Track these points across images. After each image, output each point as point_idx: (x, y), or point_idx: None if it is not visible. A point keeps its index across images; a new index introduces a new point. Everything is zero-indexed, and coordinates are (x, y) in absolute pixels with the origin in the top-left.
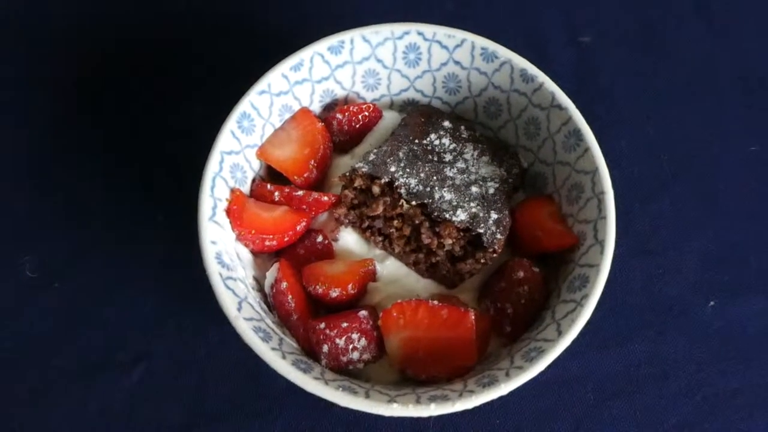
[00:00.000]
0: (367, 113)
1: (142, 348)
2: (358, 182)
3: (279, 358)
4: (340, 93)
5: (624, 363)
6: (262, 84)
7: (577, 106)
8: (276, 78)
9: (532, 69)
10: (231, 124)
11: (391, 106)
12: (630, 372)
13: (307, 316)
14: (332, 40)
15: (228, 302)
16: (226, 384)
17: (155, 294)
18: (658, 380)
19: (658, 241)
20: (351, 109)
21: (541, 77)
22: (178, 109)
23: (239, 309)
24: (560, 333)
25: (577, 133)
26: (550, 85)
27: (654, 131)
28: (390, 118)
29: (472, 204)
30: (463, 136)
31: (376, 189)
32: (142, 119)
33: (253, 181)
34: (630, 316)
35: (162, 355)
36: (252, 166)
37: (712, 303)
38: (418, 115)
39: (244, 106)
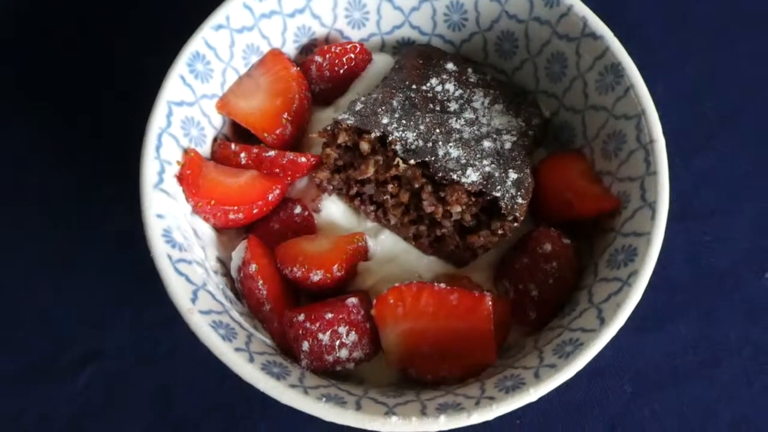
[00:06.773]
0: (352, 55)
1: (91, 346)
2: (342, 138)
3: (245, 362)
4: (319, 31)
5: (666, 349)
6: (218, 16)
7: None
8: (236, 9)
9: None
10: (180, 68)
11: (383, 47)
12: (674, 359)
13: (282, 306)
14: None
15: (179, 291)
16: (195, 385)
17: (107, 281)
18: (707, 368)
19: (704, 202)
20: (333, 50)
21: None
22: (126, 63)
23: (194, 300)
24: (603, 321)
25: (617, 69)
26: (581, 9)
27: (695, 73)
28: (381, 62)
29: (485, 162)
30: (471, 80)
31: (365, 146)
32: (85, 78)
33: (215, 140)
34: (672, 293)
35: (115, 354)
36: (212, 122)
37: None
38: (416, 57)
39: (196, 44)
